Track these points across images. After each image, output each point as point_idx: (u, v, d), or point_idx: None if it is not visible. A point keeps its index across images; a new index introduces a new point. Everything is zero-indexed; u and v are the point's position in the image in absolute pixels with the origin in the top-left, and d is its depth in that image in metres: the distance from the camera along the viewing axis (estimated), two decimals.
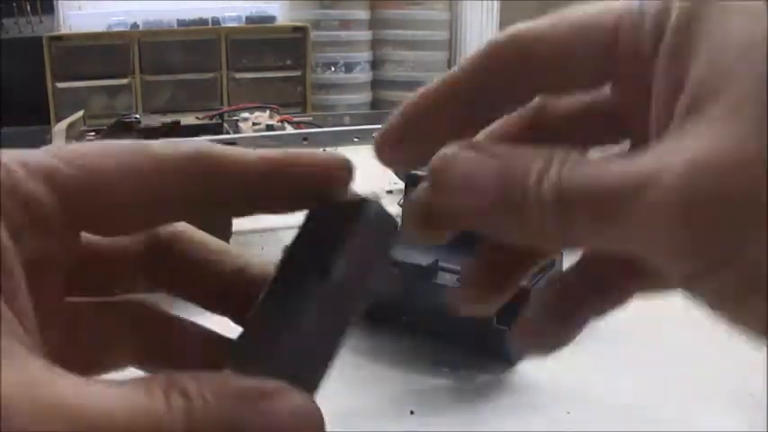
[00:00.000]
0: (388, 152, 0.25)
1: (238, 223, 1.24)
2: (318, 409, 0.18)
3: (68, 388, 0.15)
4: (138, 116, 1.32)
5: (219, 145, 0.22)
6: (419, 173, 1.45)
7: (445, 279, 0.64)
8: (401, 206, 1.47)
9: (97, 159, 0.20)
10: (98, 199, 0.20)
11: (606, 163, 0.17)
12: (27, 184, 0.19)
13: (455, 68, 0.23)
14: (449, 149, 0.20)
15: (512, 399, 0.84)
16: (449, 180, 0.19)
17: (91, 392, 0.15)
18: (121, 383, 0.16)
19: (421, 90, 0.23)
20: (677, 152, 0.16)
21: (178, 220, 0.24)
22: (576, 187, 0.17)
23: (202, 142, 0.22)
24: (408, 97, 0.23)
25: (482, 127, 0.24)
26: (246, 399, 0.17)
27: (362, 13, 2.49)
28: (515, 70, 0.23)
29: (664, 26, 0.19)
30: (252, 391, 0.17)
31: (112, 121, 1.31)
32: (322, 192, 0.22)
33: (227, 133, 1.34)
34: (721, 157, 0.15)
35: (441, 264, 0.64)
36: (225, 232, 1.16)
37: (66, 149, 0.20)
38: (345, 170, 0.23)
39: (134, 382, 0.16)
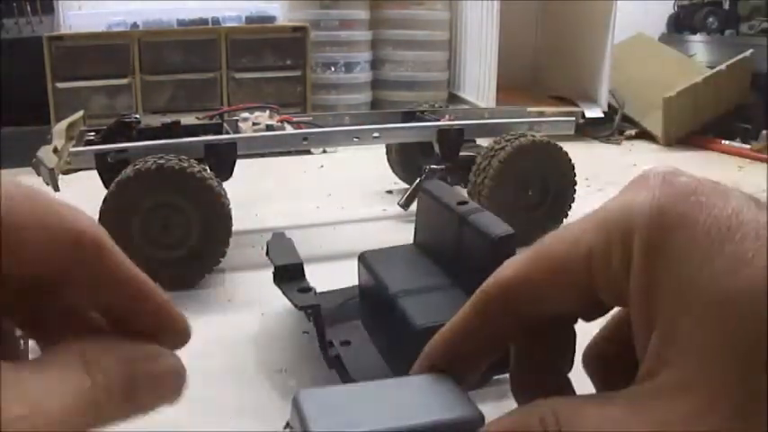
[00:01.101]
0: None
1: (239, 223, 1.24)
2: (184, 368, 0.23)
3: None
4: (138, 116, 1.32)
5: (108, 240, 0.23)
6: (434, 166, 1.45)
7: None
8: (401, 206, 1.47)
9: (18, 203, 0.21)
10: (14, 248, 0.20)
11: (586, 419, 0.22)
12: None
13: (456, 319, 0.29)
14: None
15: (512, 399, 0.84)
16: None
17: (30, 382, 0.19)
18: (41, 364, 0.19)
19: (436, 339, 0.30)
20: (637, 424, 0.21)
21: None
22: None
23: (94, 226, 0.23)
24: (428, 346, 0.30)
25: (498, 351, 0.29)
26: (139, 361, 0.21)
27: (362, 13, 2.49)
28: (508, 315, 0.27)
29: (630, 259, 0.23)
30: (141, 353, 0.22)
31: (112, 121, 1.31)
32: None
33: (227, 133, 1.34)
34: None
35: None
36: (225, 232, 1.16)
37: None
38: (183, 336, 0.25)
39: (58, 363, 0.20)
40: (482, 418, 0.25)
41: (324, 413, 0.24)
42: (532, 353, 0.29)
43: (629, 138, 2.37)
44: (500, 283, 0.28)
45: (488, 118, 1.59)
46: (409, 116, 1.60)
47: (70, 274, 0.22)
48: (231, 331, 0.98)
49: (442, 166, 1.38)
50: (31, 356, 0.22)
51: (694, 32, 2.83)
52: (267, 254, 0.94)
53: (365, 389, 0.26)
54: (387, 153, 1.70)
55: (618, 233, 0.23)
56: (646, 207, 0.23)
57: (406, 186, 1.58)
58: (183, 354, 0.24)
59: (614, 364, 0.27)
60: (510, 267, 0.28)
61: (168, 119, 1.31)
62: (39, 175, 1.18)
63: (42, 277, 0.22)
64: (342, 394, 0.25)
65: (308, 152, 2.01)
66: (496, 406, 0.79)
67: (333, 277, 1.05)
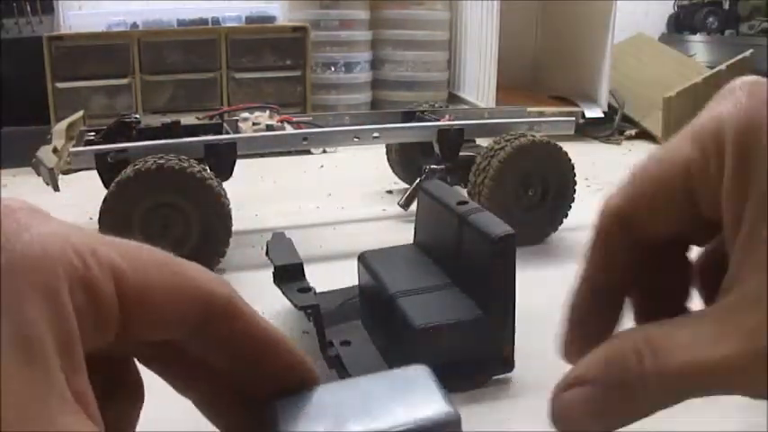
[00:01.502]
0: (576, 356, 0.28)
1: (239, 224, 1.24)
2: None
3: None
4: (138, 116, 1.32)
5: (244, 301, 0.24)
6: (434, 166, 1.45)
7: None
8: (401, 206, 1.47)
9: (152, 271, 0.21)
10: (149, 313, 0.21)
11: (681, 350, 0.22)
12: (98, 281, 0.20)
13: (583, 267, 0.28)
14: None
15: (512, 399, 0.84)
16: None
17: None
18: None
19: (571, 300, 0.29)
20: (725, 341, 0.21)
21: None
22: (670, 371, 0.22)
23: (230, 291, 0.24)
24: (567, 306, 0.29)
25: (624, 297, 0.29)
26: None
27: (362, 13, 2.49)
28: (627, 248, 0.27)
29: (724, 167, 0.23)
30: None
31: (112, 121, 1.31)
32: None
33: (227, 133, 1.34)
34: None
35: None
36: (225, 232, 1.16)
37: (127, 249, 0.21)
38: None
39: None
40: (458, 418, 0.24)
41: (294, 416, 0.24)
42: (650, 282, 0.28)
43: (629, 138, 2.37)
44: (611, 212, 0.28)
45: (488, 118, 1.59)
46: (409, 116, 1.60)
47: (202, 333, 0.23)
48: None
49: (442, 166, 1.38)
50: None
51: (694, 32, 2.83)
52: (267, 254, 0.94)
53: (341, 388, 0.26)
54: (387, 153, 1.70)
55: (712, 143, 0.23)
56: (734, 114, 0.23)
57: (406, 186, 1.58)
58: None
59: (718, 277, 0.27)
60: (616, 195, 0.28)
61: (168, 119, 1.31)
62: (39, 175, 1.18)
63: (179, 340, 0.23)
64: (318, 395, 0.25)
65: (308, 152, 2.01)
66: (496, 406, 0.79)
67: (333, 277, 1.05)
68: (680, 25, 2.95)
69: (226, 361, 0.24)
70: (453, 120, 1.47)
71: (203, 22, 2.26)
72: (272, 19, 2.34)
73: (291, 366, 0.25)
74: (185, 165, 1.11)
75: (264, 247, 0.96)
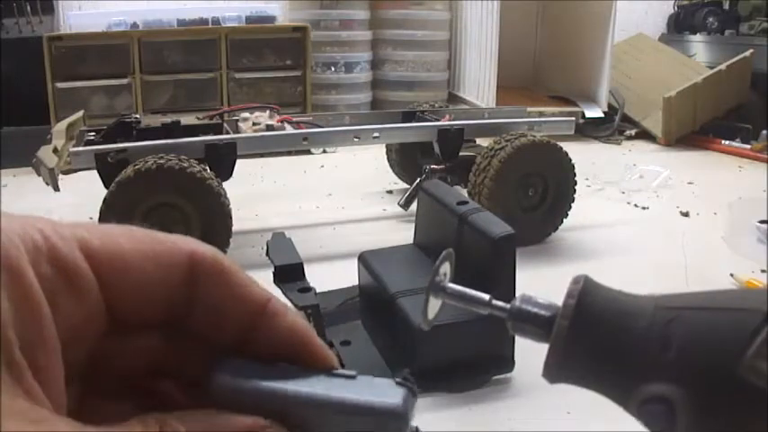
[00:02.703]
0: None
1: (239, 224, 1.24)
2: None
3: None
4: (138, 116, 1.32)
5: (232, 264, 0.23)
6: (434, 166, 1.45)
7: None
8: (401, 206, 1.47)
9: (122, 240, 0.21)
10: (126, 276, 0.21)
11: None
12: (63, 249, 0.19)
13: None
14: None
15: (512, 399, 0.84)
16: None
17: None
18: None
19: None
20: None
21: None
22: None
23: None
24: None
25: None
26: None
27: (362, 13, 2.49)
28: None
29: None
30: (235, 427, 0.20)
31: (112, 121, 1.31)
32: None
33: (227, 133, 1.34)
34: None
35: None
36: (225, 232, 1.16)
37: (94, 225, 0.21)
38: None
39: (132, 423, 0.18)
40: (404, 412, 0.22)
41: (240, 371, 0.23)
42: None
43: (629, 138, 2.37)
44: None
45: (488, 118, 1.59)
46: (409, 116, 1.60)
47: (192, 298, 0.22)
48: None
49: (442, 166, 1.38)
50: None
51: (694, 32, 2.83)
52: (267, 254, 0.94)
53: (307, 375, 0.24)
54: (387, 153, 1.70)
55: None
56: None
57: (406, 186, 1.58)
58: None
59: None
60: None
61: (168, 119, 1.31)
62: (39, 175, 1.18)
63: (172, 308, 0.22)
64: (281, 369, 0.23)
65: (308, 152, 2.01)
66: (496, 406, 0.79)
67: (333, 277, 1.05)
68: (680, 25, 2.95)
69: (218, 329, 0.22)
70: (453, 120, 1.47)
71: (203, 22, 2.26)
72: (272, 19, 2.34)
73: (297, 337, 0.23)
74: (185, 165, 1.11)
75: (264, 247, 0.96)
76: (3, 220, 0.19)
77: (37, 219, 0.20)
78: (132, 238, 0.21)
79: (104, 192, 1.12)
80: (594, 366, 0.24)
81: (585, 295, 0.24)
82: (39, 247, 0.19)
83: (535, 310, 0.25)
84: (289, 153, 1.94)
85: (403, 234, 1.18)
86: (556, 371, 0.24)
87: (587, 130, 2.36)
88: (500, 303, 0.26)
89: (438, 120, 1.49)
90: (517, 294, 0.26)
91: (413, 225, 1.02)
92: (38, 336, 0.18)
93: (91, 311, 0.20)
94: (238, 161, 1.24)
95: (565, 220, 1.34)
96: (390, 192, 1.69)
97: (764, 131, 2.11)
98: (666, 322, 0.23)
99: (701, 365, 0.22)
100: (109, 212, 1.09)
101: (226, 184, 1.20)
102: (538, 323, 0.25)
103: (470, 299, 0.27)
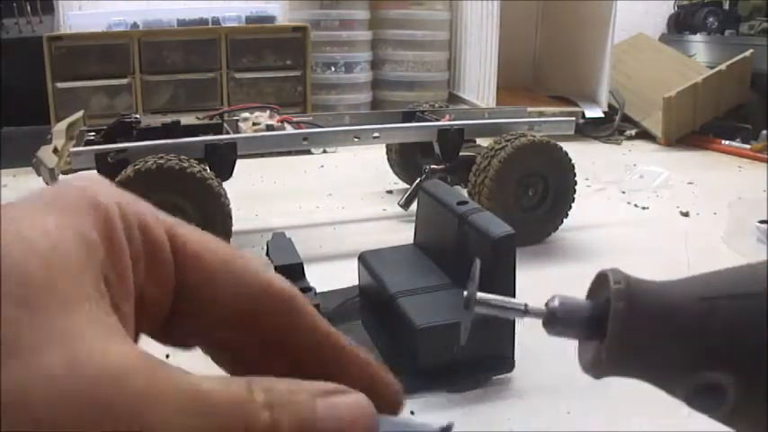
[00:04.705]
0: None
1: (239, 224, 1.24)
2: (371, 404, 0.19)
3: (173, 371, 0.16)
4: (138, 116, 1.32)
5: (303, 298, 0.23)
6: (434, 166, 1.45)
7: None
8: (401, 206, 1.47)
9: (206, 240, 0.22)
10: (204, 273, 0.21)
11: None
12: (153, 226, 0.20)
13: None
14: None
15: (512, 399, 0.84)
16: None
17: (190, 377, 0.17)
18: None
19: None
20: None
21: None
22: None
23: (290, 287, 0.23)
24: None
25: None
26: (314, 395, 0.18)
27: (362, 13, 2.49)
28: None
29: None
30: (319, 390, 0.19)
31: (112, 121, 1.31)
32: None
33: (227, 133, 1.34)
34: None
35: None
36: (225, 232, 1.16)
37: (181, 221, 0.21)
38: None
39: (220, 377, 0.18)
40: None
41: None
42: None
43: (629, 138, 2.37)
44: None
45: (488, 118, 1.59)
46: (409, 116, 1.60)
47: (259, 324, 0.22)
48: None
49: (442, 166, 1.38)
50: None
51: (694, 32, 2.83)
52: (267, 254, 0.94)
53: None
54: (387, 153, 1.70)
55: None
56: None
57: (406, 186, 1.58)
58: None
59: None
60: None
61: (168, 119, 1.31)
62: (39, 175, 1.18)
63: (236, 323, 0.22)
64: None
65: (308, 152, 2.01)
66: (496, 406, 0.79)
67: (333, 277, 1.05)
68: (680, 25, 2.95)
69: (284, 363, 0.21)
70: (453, 120, 1.47)
71: (203, 22, 2.26)
72: (272, 19, 2.34)
73: (367, 376, 0.22)
74: (185, 165, 1.11)
75: (265, 247, 0.96)
76: (101, 186, 0.19)
77: (118, 191, 0.20)
78: (215, 241, 0.22)
79: None
80: (646, 360, 0.25)
81: (631, 296, 0.25)
82: (132, 212, 0.19)
83: (573, 311, 0.26)
84: (289, 153, 1.94)
85: (403, 234, 1.18)
86: (608, 368, 0.25)
87: (587, 130, 2.36)
88: (537, 308, 0.27)
89: (438, 120, 1.49)
90: (550, 297, 0.27)
91: (413, 225, 1.02)
92: (121, 283, 0.18)
93: (161, 296, 0.20)
94: (238, 161, 1.24)
95: (565, 220, 1.34)
96: (390, 192, 1.69)
97: (764, 131, 2.11)
98: (710, 312, 0.25)
99: (747, 352, 0.24)
100: None
101: (226, 184, 1.20)
102: (578, 325, 0.26)
103: (507, 307, 0.27)
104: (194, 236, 0.21)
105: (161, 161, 1.10)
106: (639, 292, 0.26)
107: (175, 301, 0.21)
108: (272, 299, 0.22)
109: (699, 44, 2.72)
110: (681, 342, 0.25)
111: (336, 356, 0.22)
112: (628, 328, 0.25)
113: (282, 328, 0.22)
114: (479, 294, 0.26)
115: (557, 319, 0.26)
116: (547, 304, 0.26)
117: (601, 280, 0.27)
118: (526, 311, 0.27)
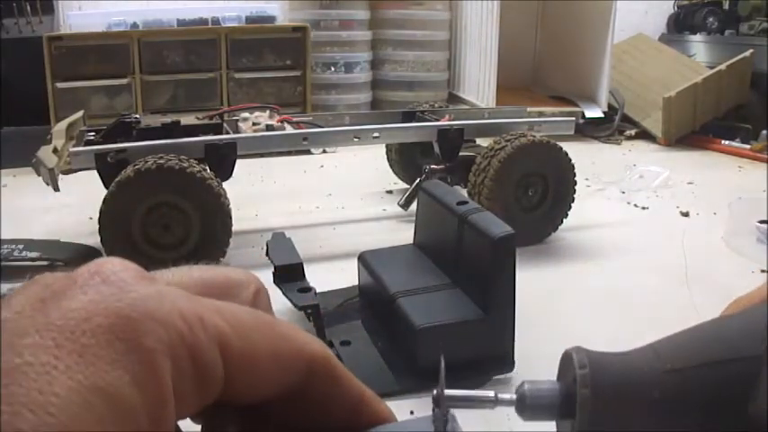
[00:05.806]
0: None
1: (239, 224, 1.24)
2: None
3: None
4: (138, 116, 1.32)
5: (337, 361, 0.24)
6: (434, 166, 1.45)
7: None
8: (401, 206, 1.47)
9: (255, 337, 0.21)
10: (252, 378, 0.21)
11: None
12: (205, 349, 0.19)
13: None
14: None
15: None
16: None
17: None
18: None
19: None
20: None
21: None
22: None
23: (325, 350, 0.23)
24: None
25: None
26: None
27: (362, 13, 2.49)
28: None
29: None
30: None
31: (112, 121, 1.31)
32: None
33: (227, 133, 1.34)
34: None
35: None
36: (225, 232, 1.16)
37: (231, 314, 0.21)
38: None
39: None
40: None
41: None
42: None
43: (629, 138, 2.37)
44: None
45: (488, 118, 1.59)
46: (409, 116, 1.60)
47: (297, 394, 0.22)
48: None
49: (442, 166, 1.38)
50: None
51: (694, 32, 2.83)
52: (267, 254, 0.94)
53: None
54: (387, 153, 1.70)
55: None
56: None
57: (406, 186, 1.58)
58: None
59: None
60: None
61: (168, 119, 1.31)
62: (39, 175, 1.18)
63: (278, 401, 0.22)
64: None
65: (308, 152, 2.01)
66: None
67: (333, 277, 1.05)
68: (680, 25, 2.95)
69: (312, 421, 0.23)
70: (453, 120, 1.47)
71: (203, 22, 2.26)
72: (272, 19, 2.34)
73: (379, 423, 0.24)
74: (185, 165, 1.11)
75: (264, 247, 0.96)
76: (151, 295, 0.19)
77: (178, 295, 0.19)
78: (261, 332, 0.21)
79: (104, 192, 1.12)
80: None
81: (596, 381, 0.26)
82: (183, 337, 0.19)
83: (542, 396, 0.27)
84: (289, 153, 1.94)
85: (403, 234, 1.18)
86: None
87: (587, 130, 2.36)
88: (506, 396, 0.27)
89: (438, 120, 1.49)
90: (518, 384, 0.27)
91: (413, 225, 1.02)
92: (160, 424, 0.18)
93: (207, 401, 0.20)
94: (238, 161, 1.24)
95: (565, 220, 1.34)
96: (390, 192, 1.69)
97: (764, 131, 2.11)
98: (678, 386, 0.25)
99: (717, 419, 0.25)
100: (109, 212, 1.09)
101: (226, 184, 1.20)
102: (549, 409, 0.27)
103: (478, 399, 0.28)
104: (243, 340, 0.21)
105: (161, 161, 1.10)
106: (602, 375, 0.26)
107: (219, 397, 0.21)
108: (314, 371, 0.22)
109: (699, 44, 2.72)
110: (653, 420, 0.25)
111: (361, 411, 0.24)
112: (595, 413, 0.25)
113: (319, 393, 0.23)
114: (447, 391, 0.26)
115: (526, 406, 0.27)
116: (516, 391, 0.27)
117: (566, 360, 0.27)
118: (497, 401, 0.27)
